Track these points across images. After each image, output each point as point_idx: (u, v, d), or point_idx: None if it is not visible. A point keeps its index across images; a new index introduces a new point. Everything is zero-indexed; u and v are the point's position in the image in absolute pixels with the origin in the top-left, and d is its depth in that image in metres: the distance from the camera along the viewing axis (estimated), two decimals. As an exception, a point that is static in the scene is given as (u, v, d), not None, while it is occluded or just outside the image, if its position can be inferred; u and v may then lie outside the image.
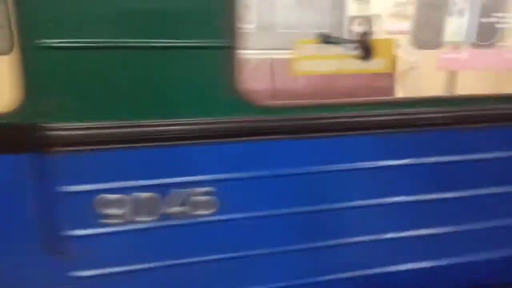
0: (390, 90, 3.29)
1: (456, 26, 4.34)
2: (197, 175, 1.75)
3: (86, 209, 1.69)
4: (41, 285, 1.78)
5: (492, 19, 3.97)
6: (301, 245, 1.97)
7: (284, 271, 2.01)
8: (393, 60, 1.86)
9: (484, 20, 3.96)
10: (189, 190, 1.76)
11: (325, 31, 1.78)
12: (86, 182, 1.67)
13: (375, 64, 1.82)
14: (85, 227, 1.71)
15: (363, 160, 1.90)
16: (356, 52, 1.78)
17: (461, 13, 4.66)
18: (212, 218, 1.81)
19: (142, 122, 1.63)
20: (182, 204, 1.77)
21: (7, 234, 1.67)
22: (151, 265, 1.82)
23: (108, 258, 1.79)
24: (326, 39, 1.74)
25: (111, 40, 1.52)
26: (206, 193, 1.78)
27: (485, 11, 4.20)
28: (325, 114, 1.81)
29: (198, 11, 1.56)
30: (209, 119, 1.69)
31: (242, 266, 1.92)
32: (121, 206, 1.72)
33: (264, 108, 1.75)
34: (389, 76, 3.10)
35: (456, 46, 3.64)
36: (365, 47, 1.78)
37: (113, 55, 1.54)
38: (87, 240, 1.73)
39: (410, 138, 1.93)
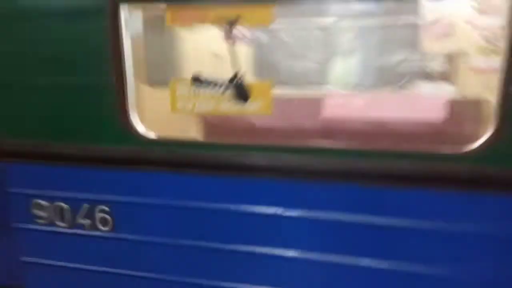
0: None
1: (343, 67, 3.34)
2: (97, 194, 2.08)
3: (27, 208, 2.22)
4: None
5: (393, 60, 2.90)
6: (178, 277, 2.03)
7: None
8: (270, 102, 1.79)
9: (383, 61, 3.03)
10: (92, 206, 2.10)
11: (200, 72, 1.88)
12: (27, 187, 2.20)
13: (252, 106, 1.81)
14: (26, 222, 2.24)
15: (239, 203, 1.87)
16: (231, 94, 1.82)
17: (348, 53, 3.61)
18: (108, 234, 2.09)
19: (53, 143, 2.08)
20: (87, 217, 2.12)
21: None
22: (64, 264, 2.21)
23: (41, 251, 2.27)
24: (198, 81, 1.84)
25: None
26: (103, 211, 2.08)
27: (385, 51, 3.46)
28: (202, 152, 1.90)
29: (86, 55, 1.94)
30: (99, 147, 2.01)
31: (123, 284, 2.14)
32: (47, 211, 2.18)
33: (148, 141, 1.96)
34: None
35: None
36: (240, 90, 1.80)
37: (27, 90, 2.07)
38: (28, 233, 2.25)
39: (296, 187, 1.79)
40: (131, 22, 1.88)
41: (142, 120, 1.96)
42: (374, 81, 3.45)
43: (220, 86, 1.83)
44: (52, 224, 2.18)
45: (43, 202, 2.17)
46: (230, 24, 1.77)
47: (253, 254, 1.91)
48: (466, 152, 1.58)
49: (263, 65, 3.74)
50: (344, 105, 2.85)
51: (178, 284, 2.04)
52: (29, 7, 1.97)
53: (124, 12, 1.84)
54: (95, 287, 2.20)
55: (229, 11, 1.73)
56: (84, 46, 1.92)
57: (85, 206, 2.10)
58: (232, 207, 1.88)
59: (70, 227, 2.15)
